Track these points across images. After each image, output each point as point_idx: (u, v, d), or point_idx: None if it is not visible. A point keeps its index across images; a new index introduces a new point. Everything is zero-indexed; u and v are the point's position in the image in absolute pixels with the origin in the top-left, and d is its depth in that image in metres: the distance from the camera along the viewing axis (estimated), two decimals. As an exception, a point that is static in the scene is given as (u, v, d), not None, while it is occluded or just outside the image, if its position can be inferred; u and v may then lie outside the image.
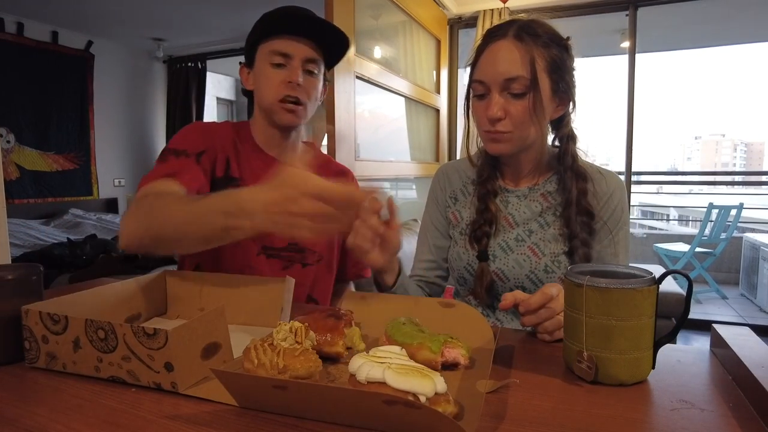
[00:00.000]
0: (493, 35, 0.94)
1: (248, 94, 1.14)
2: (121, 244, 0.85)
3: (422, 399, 0.47)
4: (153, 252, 0.86)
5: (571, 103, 0.97)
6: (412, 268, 1.13)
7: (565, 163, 0.98)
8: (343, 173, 1.24)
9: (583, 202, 0.95)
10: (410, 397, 0.47)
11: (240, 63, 1.14)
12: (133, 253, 2.57)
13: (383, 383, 0.49)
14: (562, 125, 0.99)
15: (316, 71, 1.09)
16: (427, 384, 0.48)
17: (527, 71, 0.89)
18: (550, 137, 1.02)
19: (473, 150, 1.07)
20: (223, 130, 1.10)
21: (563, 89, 0.94)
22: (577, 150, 0.99)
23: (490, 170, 1.03)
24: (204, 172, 1.00)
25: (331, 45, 1.10)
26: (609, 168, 1.04)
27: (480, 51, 0.95)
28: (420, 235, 1.13)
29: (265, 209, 0.64)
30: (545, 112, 0.93)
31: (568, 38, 0.95)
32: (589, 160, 1.02)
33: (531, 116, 0.90)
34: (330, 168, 1.24)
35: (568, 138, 0.98)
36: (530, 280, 0.97)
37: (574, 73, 0.96)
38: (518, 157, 1.00)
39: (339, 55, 1.14)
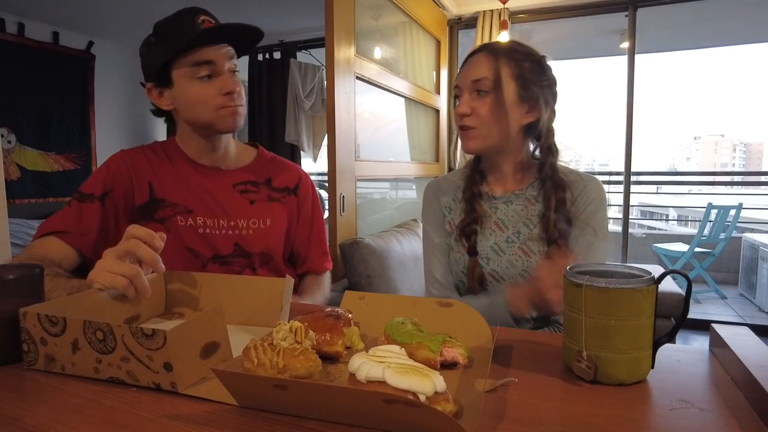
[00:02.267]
0: (471, 53, 1.10)
1: (161, 113, 1.12)
2: None
3: (422, 398, 0.47)
4: None
5: (545, 113, 1.05)
6: (432, 286, 1.13)
7: (544, 174, 1.07)
8: (295, 171, 1.22)
9: (561, 210, 1.04)
10: (410, 396, 0.47)
11: (142, 84, 1.11)
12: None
13: (383, 382, 0.49)
14: (542, 137, 1.08)
15: (237, 67, 1.08)
16: (426, 383, 0.49)
17: (491, 74, 1.03)
18: (532, 148, 1.12)
19: (458, 155, 1.19)
20: (141, 156, 1.12)
21: (531, 96, 1.03)
22: (560, 162, 1.08)
23: (477, 176, 1.13)
24: (108, 215, 1.06)
25: (238, 32, 1.06)
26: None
27: (462, 65, 1.11)
28: (429, 257, 1.15)
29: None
30: (509, 114, 1.03)
31: (543, 56, 1.08)
32: (581, 169, 1.13)
33: (494, 113, 1.03)
34: (286, 169, 1.21)
35: (548, 150, 1.07)
36: (523, 277, 1.04)
37: (549, 85, 1.06)
38: (497, 163, 1.10)
39: (252, 40, 1.10)
